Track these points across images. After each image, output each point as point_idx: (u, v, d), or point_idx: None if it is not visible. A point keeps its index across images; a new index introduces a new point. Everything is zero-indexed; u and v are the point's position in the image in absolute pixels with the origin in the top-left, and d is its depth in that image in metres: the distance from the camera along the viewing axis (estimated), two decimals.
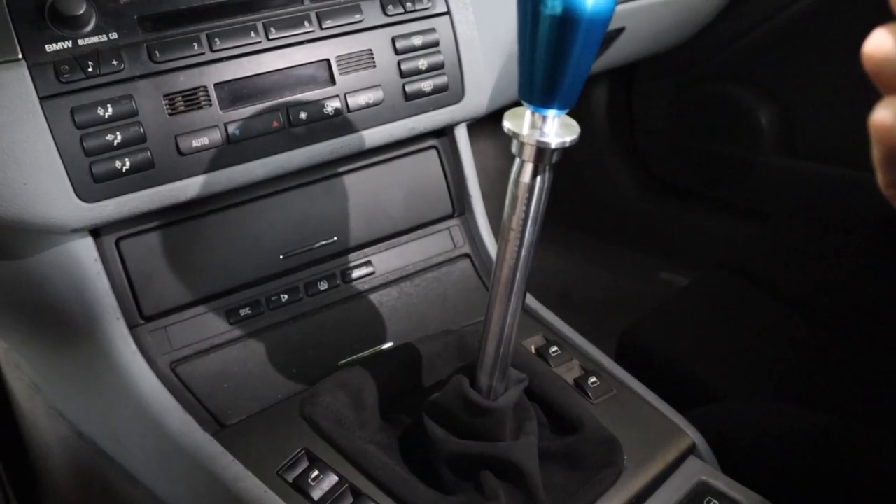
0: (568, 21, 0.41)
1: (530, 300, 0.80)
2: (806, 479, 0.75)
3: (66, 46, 0.57)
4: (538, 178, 0.49)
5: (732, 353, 1.03)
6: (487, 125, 0.82)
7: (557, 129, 0.48)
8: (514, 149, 0.49)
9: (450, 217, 0.82)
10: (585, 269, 1.73)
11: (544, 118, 0.47)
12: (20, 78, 0.55)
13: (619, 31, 1.21)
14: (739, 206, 1.56)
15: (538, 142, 0.47)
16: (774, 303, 1.10)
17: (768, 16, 1.35)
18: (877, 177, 0.31)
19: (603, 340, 0.92)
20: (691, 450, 0.67)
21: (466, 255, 0.82)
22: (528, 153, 0.48)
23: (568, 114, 0.49)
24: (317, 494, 0.58)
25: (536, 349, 0.73)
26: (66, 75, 0.57)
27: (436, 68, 0.72)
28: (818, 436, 0.79)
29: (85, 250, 0.63)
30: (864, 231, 1.22)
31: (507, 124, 0.48)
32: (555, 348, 0.73)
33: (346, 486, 0.58)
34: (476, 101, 0.76)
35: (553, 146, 0.47)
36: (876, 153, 0.30)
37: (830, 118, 1.36)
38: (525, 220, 0.51)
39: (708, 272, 1.21)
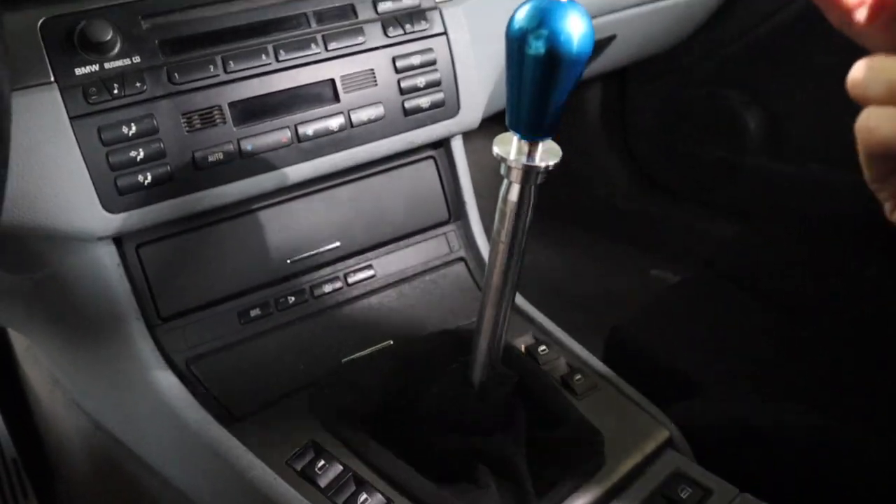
0: (550, 61, 0.46)
1: (522, 301, 0.85)
2: (776, 470, 0.80)
3: (93, 70, 0.62)
4: (524, 197, 0.54)
5: (715, 351, 1.07)
6: (484, 123, 0.86)
7: (542, 153, 0.53)
8: (502, 171, 0.54)
9: (446, 223, 0.87)
10: (579, 265, 1.77)
11: (530, 145, 0.52)
12: (52, 100, 0.60)
13: (611, 38, 1.26)
14: (727, 207, 1.60)
15: (525, 166, 0.52)
16: (757, 303, 1.15)
17: (754, 24, 1.40)
18: (863, 174, 0.37)
19: (593, 336, 0.97)
20: (668, 442, 0.72)
21: (461, 259, 0.87)
22: (515, 175, 0.53)
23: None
24: (323, 482, 0.63)
25: (526, 348, 0.78)
26: (93, 97, 0.61)
27: (433, 85, 0.77)
28: (791, 428, 0.84)
29: (108, 256, 0.68)
30: (845, 229, 1.27)
31: (496, 150, 0.53)
32: (543, 347, 0.78)
33: (350, 474, 0.63)
34: (470, 115, 0.81)
35: (538, 170, 0.53)
36: (861, 152, 0.36)
37: (815, 122, 1.41)
38: (513, 233, 0.56)
39: (696, 272, 1.26)
